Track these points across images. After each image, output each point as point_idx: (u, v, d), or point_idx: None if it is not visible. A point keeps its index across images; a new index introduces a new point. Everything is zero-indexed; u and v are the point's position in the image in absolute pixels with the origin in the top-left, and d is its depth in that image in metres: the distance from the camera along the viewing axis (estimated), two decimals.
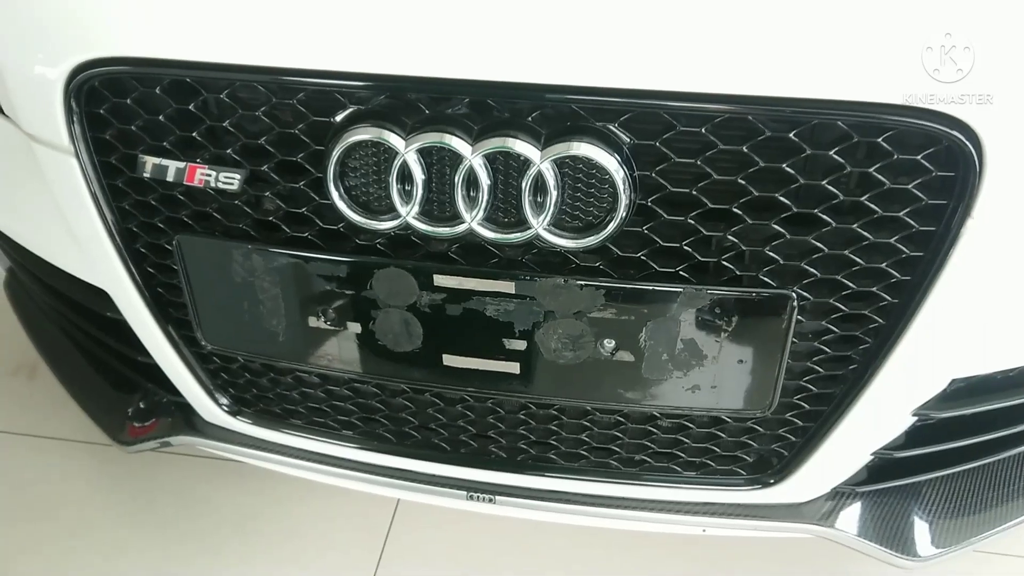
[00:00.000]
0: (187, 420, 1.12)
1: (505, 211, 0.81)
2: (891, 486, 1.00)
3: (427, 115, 0.79)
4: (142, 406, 1.15)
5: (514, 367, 0.87)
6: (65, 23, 0.84)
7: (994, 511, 1.03)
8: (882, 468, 0.98)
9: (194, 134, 0.85)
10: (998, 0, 0.70)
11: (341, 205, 0.82)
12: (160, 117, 0.85)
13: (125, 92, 0.85)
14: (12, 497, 1.41)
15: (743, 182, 0.76)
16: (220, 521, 1.36)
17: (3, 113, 0.95)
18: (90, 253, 0.96)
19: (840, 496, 0.99)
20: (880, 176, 0.75)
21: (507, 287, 0.82)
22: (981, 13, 0.70)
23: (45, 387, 1.37)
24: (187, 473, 1.42)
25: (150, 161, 0.88)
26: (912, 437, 0.93)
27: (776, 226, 0.78)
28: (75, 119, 0.86)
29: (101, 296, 1.01)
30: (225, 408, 1.06)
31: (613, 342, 0.84)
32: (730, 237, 0.79)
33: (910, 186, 0.75)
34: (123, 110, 0.86)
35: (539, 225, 0.79)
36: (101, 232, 0.93)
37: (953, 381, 0.86)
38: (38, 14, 0.85)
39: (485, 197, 0.79)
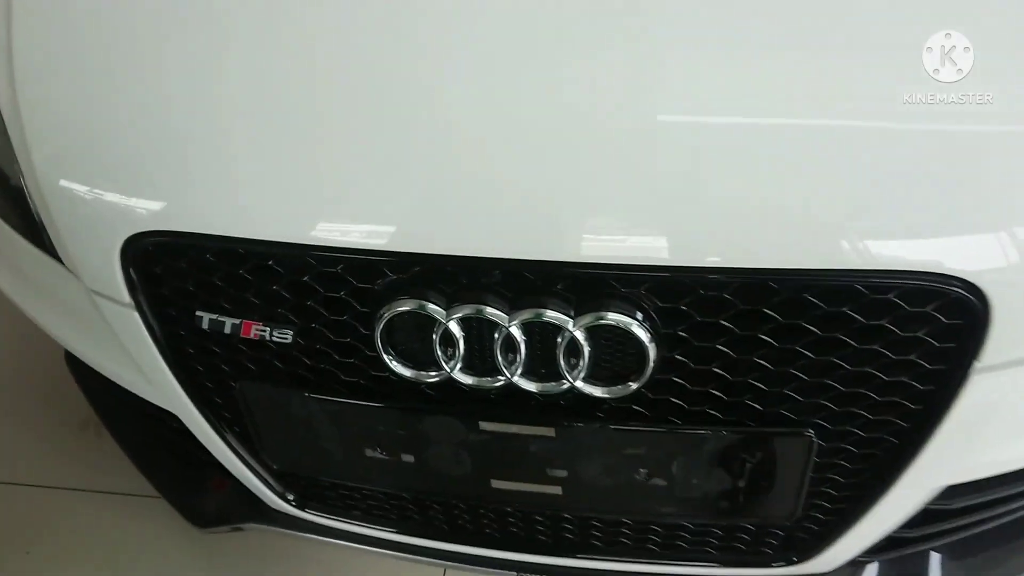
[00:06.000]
0: (257, 508, 1.22)
1: (543, 363, 0.87)
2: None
3: (464, 284, 0.84)
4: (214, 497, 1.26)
5: (556, 489, 0.95)
6: (115, 203, 0.90)
7: (1002, 563, 1.12)
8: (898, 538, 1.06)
9: (246, 294, 0.92)
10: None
11: (392, 364, 0.88)
12: (213, 279, 0.92)
13: (178, 255, 0.91)
14: (93, 556, 1.54)
15: (764, 337, 0.82)
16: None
17: (64, 265, 1.02)
18: (158, 386, 1.04)
19: (860, 564, 1.08)
20: (892, 327, 0.80)
21: (547, 432, 0.89)
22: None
23: (113, 443, 1.47)
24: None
25: (207, 316, 0.94)
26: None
27: (795, 372, 0.84)
28: (133, 281, 0.93)
29: (171, 414, 1.10)
30: (292, 503, 1.16)
31: (647, 470, 0.91)
32: (752, 383, 0.85)
33: (920, 333, 0.80)
34: (178, 271, 0.92)
35: (574, 379, 0.85)
36: (167, 372, 1.00)
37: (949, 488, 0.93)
38: (94, 202, 0.91)
39: (523, 356, 0.85)
